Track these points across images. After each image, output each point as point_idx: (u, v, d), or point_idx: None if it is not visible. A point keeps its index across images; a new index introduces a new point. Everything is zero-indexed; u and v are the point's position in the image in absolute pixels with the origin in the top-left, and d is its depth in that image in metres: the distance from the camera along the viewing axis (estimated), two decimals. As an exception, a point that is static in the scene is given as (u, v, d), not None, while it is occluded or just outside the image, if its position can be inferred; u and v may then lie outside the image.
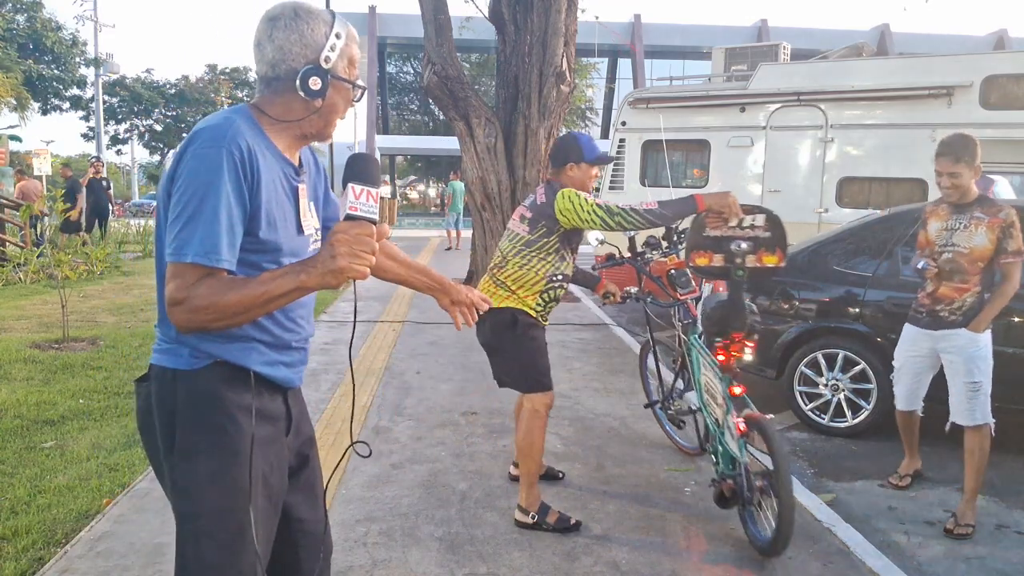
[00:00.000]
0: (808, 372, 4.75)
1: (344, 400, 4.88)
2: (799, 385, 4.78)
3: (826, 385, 4.68)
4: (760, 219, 2.94)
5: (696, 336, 3.48)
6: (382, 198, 1.42)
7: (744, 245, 2.93)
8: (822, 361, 4.70)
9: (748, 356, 3.11)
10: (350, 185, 1.32)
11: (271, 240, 1.44)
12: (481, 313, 2.01)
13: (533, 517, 3.11)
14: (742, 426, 2.94)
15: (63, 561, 2.75)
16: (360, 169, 1.34)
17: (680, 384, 4.12)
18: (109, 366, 5.58)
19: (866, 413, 4.55)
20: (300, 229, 1.53)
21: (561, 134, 3.25)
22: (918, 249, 3.70)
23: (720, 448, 3.16)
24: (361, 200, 1.31)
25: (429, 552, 2.91)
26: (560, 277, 3.14)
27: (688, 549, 3.00)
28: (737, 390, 3.03)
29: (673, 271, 3.54)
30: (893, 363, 3.82)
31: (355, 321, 1.69)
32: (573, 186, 3.10)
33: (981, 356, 3.39)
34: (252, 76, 38.47)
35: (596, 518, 3.25)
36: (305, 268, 1.31)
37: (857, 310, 4.63)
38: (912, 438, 3.90)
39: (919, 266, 3.47)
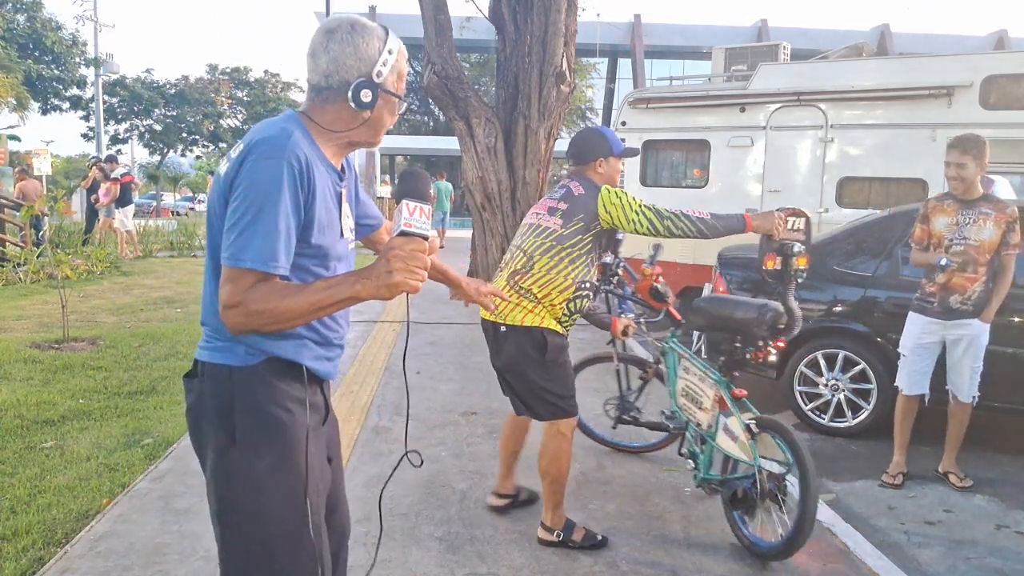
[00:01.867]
0: (808, 372, 4.75)
1: (344, 400, 4.88)
2: (799, 385, 4.78)
3: (826, 385, 4.69)
4: (802, 223, 2.95)
5: (675, 340, 3.51)
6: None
7: (797, 248, 2.95)
8: (822, 361, 4.70)
9: (773, 356, 3.18)
10: (404, 202, 1.36)
11: (322, 245, 1.51)
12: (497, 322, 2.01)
13: (558, 535, 2.97)
14: (754, 428, 2.92)
15: (63, 561, 2.75)
16: (413, 186, 1.39)
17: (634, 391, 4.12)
18: (109, 366, 5.58)
19: (866, 413, 4.55)
20: (342, 232, 1.59)
21: (583, 127, 3.08)
22: (914, 243, 3.81)
23: (700, 452, 3.18)
24: (415, 217, 1.36)
25: (429, 552, 2.91)
26: (587, 285, 2.90)
27: (688, 549, 3.00)
28: (740, 393, 3.05)
29: (656, 285, 3.54)
30: (900, 351, 3.90)
31: (407, 336, 1.76)
32: (604, 183, 2.91)
33: (984, 343, 3.75)
34: (252, 76, 38.69)
35: (596, 518, 3.25)
36: (359, 279, 1.37)
37: (857, 310, 4.63)
38: (906, 432, 3.96)
39: (941, 263, 3.61)
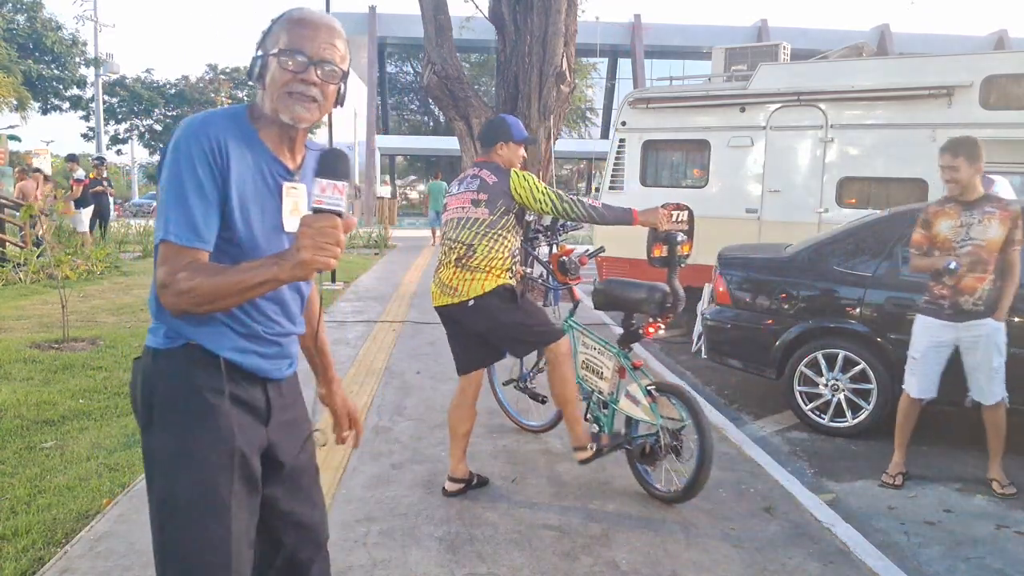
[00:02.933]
0: (808, 372, 4.75)
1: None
2: (799, 385, 4.78)
3: (826, 385, 4.68)
4: (684, 215, 3.43)
5: (574, 318, 3.92)
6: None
7: (680, 237, 3.39)
8: (822, 361, 4.70)
9: (663, 332, 3.60)
10: (316, 180, 1.37)
11: (246, 233, 1.50)
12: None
13: (591, 447, 3.41)
14: (654, 392, 3.40)
15: (63, 561, 2.75)
16: (329, 164, 1.39)
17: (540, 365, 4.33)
18: (109, 366, 5.58)
19: (866, 413, 4.55)
20: (282, 227, 1.56)
21: (491, 118, 3.57)
22: (914, 248, 3.78)
23: (603, 416, 3.65)
24: (327, 194, 1.36)
25: (429, 552, 2.91)
26: (515, 252, 3.39)
27: (688, 549, 3.01)
28: (638, 363, 3.52)
29: (564, 258, 3.87)
30: (910, 354, 3.86)
31: (320, 313, 1.73)
32: (505, 164, 3.34)
33: (1002, 341, 3.72)
34: (252, 76, 38.69)
35: (596, 518, 3.25)
36: (278, 261, 1.37)
37: (857, 310, 4.63)
38: (907, 433, 3.94)
39: (950, 267, 3.60)
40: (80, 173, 13.55)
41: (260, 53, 1.56)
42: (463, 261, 3.26)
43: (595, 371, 3.70)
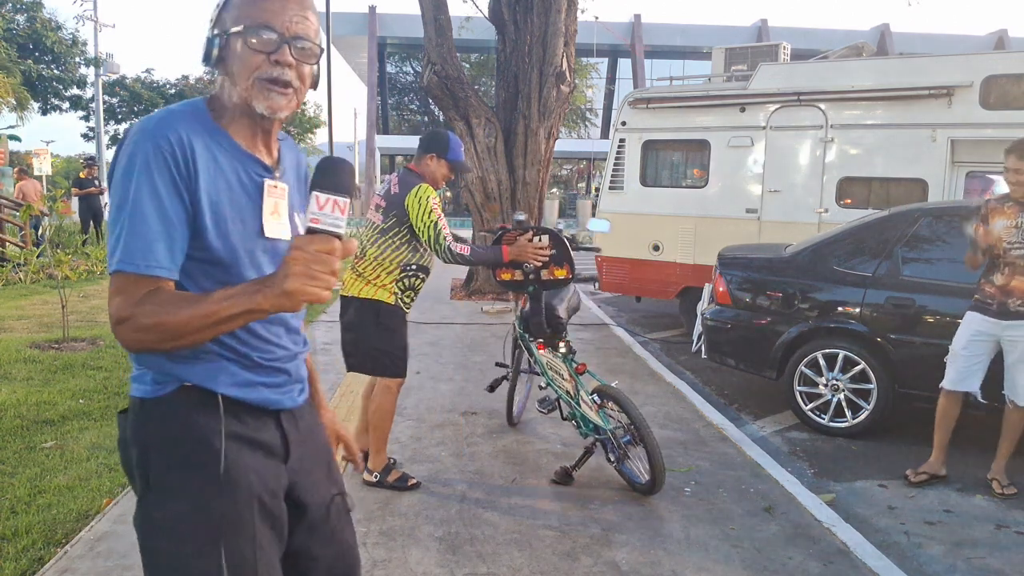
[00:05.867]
0: (808, 372, 4.75)
1: (344, 400, 4.88)
2: (799, 385, 4.78)
3: (826, 385, 4.68)
4: (545, 239, 3.44)
5: (523, 329, 4.06)
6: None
7: (528, 266, 3.47)
8: (822, 361, 4.69)
9: (563, 349, 3.71)
10: (314, 194, 1.13)
11: (223, 245, 1.28)
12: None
13: (376, 476, 3.46)
14: (597, 400, 3.50)
15: (63, 561, 2.75)
16: (329, 175, 1.14)
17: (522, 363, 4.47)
18: (109, 366, 5.58)
19: (866, 413, 4.55)
20: (263, 231, 1.34)
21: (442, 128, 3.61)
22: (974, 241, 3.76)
23: (578, 414, 3.67)
24: (325, 211, 1.12)
25: (429, 552, 2.91)
26: (414, 267, 3.36)
27: (688, 549, 3.01)
28: (580, 368, 3.63)
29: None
30: (951, 346, 3.81)
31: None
32: (428, 175, 3.36)
33: None
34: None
35: (595, 518, 3.26)
36: (261, 288, 1.14)
37: (857, 310, 4.63)
38: (946, 432, 3.88)
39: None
40: None
41: (216, 32, 1.30)
42: (354, 262, 3.36)
43: (559, 372, 3.79)
